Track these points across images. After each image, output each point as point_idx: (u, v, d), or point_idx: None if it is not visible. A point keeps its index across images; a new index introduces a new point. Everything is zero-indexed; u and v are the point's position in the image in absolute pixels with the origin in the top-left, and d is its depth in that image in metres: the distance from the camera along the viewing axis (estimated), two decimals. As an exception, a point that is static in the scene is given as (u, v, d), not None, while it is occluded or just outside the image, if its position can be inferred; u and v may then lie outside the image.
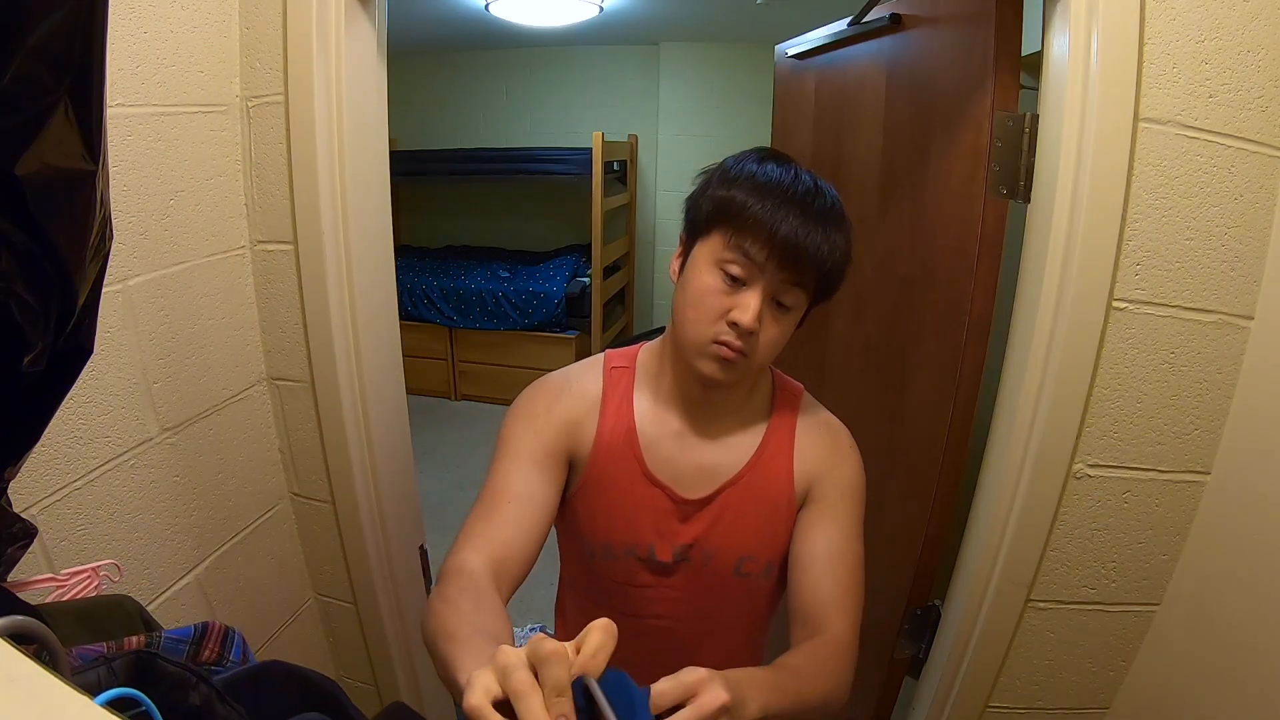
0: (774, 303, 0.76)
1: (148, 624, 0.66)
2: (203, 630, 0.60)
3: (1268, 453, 0.93)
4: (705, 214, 0.77)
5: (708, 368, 0.78)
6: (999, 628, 1.11)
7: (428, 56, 4.64)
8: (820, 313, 1.59)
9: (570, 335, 4.21)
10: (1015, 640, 1.12)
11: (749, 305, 0.74)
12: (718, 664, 0.87)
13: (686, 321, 0.78)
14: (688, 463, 0.85)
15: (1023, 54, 1.02)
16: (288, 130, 1.08)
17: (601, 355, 0.92)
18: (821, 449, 0.88)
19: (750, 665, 0.89)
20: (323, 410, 1.20)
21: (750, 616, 0.93)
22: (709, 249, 0.77)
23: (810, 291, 0.77)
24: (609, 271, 4.37)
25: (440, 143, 4.74)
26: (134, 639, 0.56)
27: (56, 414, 0.51)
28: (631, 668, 0.47)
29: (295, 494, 1.30)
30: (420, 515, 1.44)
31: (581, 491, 0.86)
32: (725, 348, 0.76)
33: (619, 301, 4.81)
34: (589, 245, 4.23)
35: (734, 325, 0.74)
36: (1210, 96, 0.88)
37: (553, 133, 4.68)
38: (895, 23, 1.29)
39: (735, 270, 0.74)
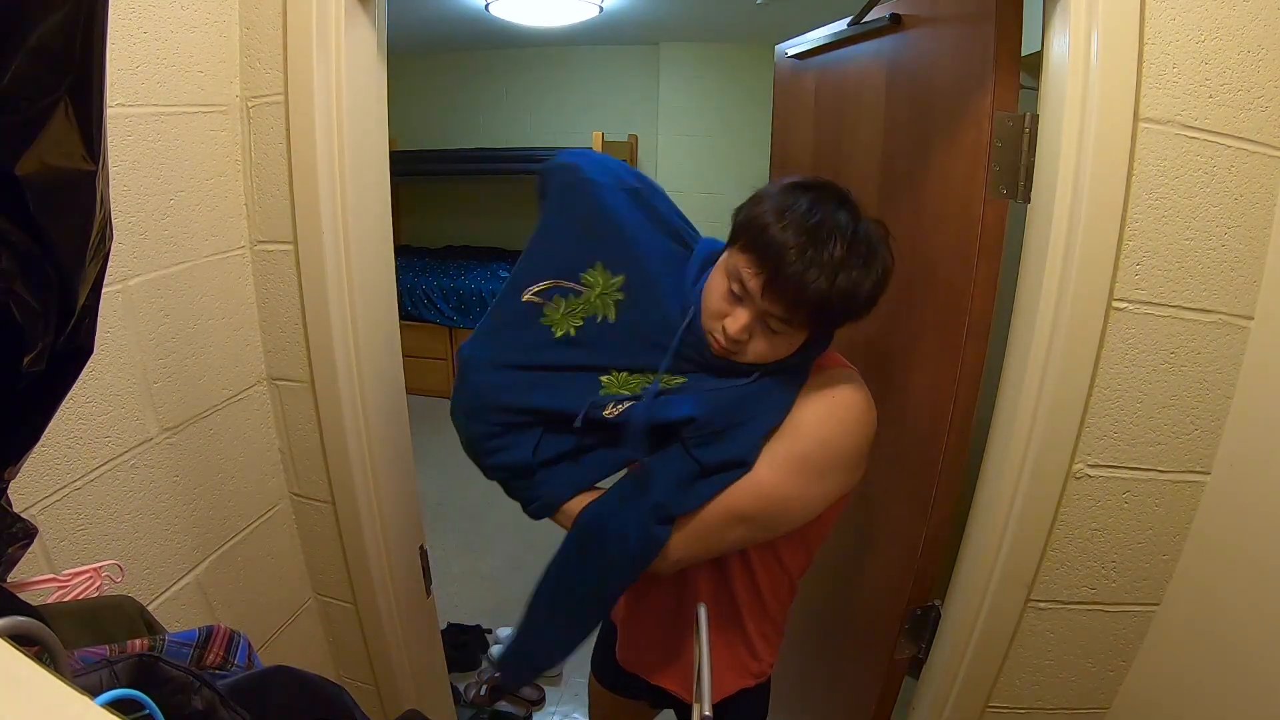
0: (765, 323, 0.82)
1: (149, 625, 0.66)
2: (207, 634, 0.59)
3: (1268, 452, 0.93)
4: (734, 226, 0.85)
5: (712, 345, 0.87)
6: (999, 628, 1.11)
7: (428, 56, 4.63)
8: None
9: (570, 335, 4.21)
10: (1015, 640, 1.12)
11: (737, 320, 0.81)
12: (713, 591, 0.99)
13: (703, 307, 0.87)
14: None
15: (1023, 54, 1.02)
16: (288, 130, 1.08)
17: None
18: (810, 389, 0.88)
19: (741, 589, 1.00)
20: (323, 410, 1.20)
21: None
22: (729, 256, 0.84)
23: (803, 325, 0.81)
24: (609, 271, 4.36)
25: (440, 143, 4.73)
26: (137, 642, 0.55)
27: (56, 414, 0.50)
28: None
29: (295, 494, 1.30)
30: (420, 515, 1.44)
31: None
32: (717, 342, 0.85)
33: (619, 301, 4.80)
34: (589, 245, 4.22)
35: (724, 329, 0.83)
36: (1210, 96, 0.88)
37: (553, 133, 4.67)
38: (895, 23, 1.29)
39: (734, 288, 0.82)
